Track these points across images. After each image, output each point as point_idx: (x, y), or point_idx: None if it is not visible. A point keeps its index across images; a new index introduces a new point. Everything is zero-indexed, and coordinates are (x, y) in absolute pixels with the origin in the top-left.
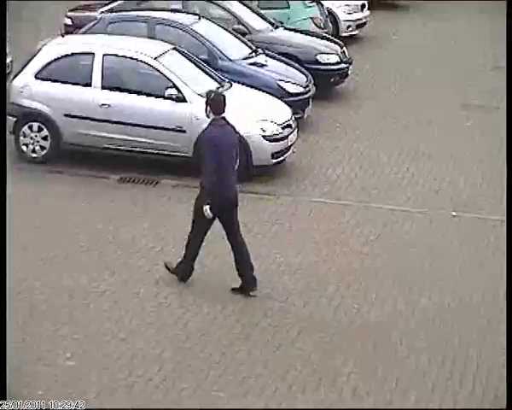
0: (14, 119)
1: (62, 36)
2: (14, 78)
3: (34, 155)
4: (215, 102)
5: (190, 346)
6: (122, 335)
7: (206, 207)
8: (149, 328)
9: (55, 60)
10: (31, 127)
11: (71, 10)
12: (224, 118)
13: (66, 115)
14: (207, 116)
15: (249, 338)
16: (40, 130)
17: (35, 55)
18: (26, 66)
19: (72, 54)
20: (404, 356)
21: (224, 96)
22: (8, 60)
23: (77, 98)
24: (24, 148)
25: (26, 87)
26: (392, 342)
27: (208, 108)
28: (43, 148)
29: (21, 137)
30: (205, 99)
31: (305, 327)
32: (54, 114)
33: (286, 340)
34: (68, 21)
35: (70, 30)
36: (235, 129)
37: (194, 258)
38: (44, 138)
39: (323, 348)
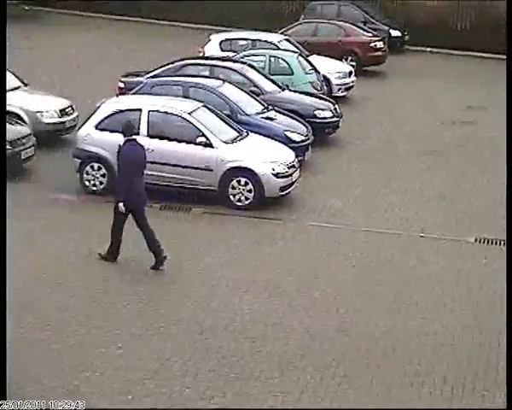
0: (80, 160)
1: (117, 96)
2: (79, 129)
3: (94, 189)
4: (127, 127)
5: (197, 359)
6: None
7: (120, 205)
8: (152, 339)
9: (112, 114)
10: (92, 167)
11: (123, 76)
12: (134, 139)
13: None
14: (124, 137)
15: (253, 351)
16: (99, 169)
17: (95, 111)
18: (88, 119)
19: (125, 110)
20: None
21: (133, 123)
22: (74, 115)
23: None
24: (87, 183)
25: (89, 136)
26: (389, 359)
27: (123, 131)
28: (101, 183)
29: (85, 175)
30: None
31: (306, 341)
32: (110, 156)
33: (288, 354)
34: (121, 85)
35: (123, 91)
36: (143, 148)
37: (119, 243)
38: (103, 176)
39: (323, 365)
